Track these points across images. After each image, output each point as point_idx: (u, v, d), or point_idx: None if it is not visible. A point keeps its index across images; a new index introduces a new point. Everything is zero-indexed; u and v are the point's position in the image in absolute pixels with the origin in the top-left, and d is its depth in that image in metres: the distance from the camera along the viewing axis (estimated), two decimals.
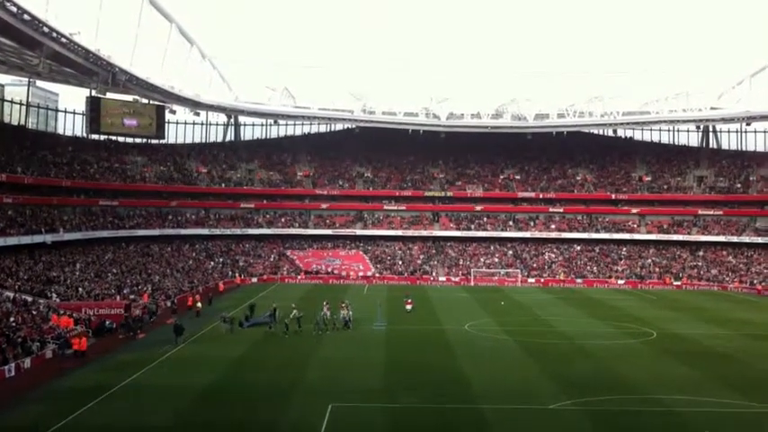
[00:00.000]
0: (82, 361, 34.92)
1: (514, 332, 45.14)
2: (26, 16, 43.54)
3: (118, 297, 51.93)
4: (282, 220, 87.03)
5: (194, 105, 77.23)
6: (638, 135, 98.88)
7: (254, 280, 76.47)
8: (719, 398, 29.28)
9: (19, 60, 58.31)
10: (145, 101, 73.14)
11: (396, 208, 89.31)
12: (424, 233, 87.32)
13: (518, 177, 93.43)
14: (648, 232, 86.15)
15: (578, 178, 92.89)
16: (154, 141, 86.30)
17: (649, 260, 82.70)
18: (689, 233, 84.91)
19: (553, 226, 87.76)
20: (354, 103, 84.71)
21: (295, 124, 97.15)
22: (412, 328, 47.11)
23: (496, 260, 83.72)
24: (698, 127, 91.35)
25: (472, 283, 77.32)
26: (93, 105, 71.75)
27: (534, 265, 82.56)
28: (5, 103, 78.49)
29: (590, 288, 75.03)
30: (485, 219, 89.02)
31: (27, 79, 76.05)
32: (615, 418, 26.59)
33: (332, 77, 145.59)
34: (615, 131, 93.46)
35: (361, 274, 79.44)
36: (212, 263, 77.76)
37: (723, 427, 25.90)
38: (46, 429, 24.05)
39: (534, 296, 66.57)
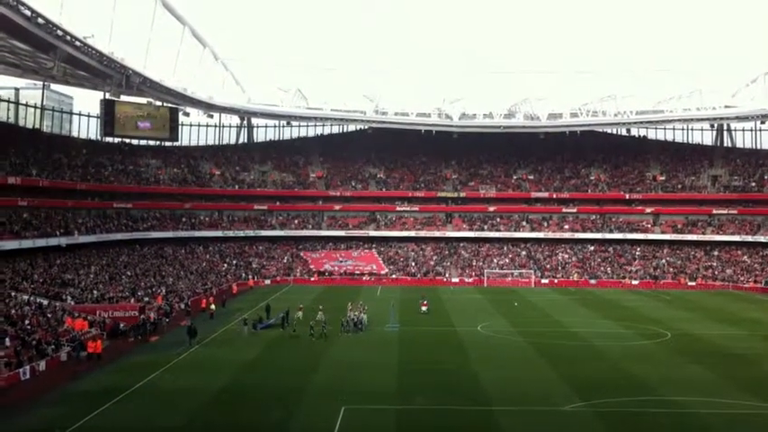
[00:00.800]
0: (97, 363, 35.12)
1: (528, 333, 45.04)
2: (40, 20, 43.92)
3: (132, 299, 52.15)
4: (296, 221, 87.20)
5: (207, 107, 77.55)
6: (651, 134, 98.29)
7: (268, 282, 76.59)
8: (734, 399, 29.12)
9: (33, 64, 58.70)
10: (158, 103, 73.42)
11: (408, 209, 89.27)
12: (437, 234, 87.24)
13: (531, 177, 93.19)
14: (663, 232, 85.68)
15: (592, 178, 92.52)
16: (167, 144, 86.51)
17: (664, 260, 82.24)
18: (703, 233, 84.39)
19: (566, 226, 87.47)
20: (367, 103, 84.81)
21: (308, 125, 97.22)
22: (425, 329, 47.09)
23: (510, 261, 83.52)
24: (712, 125, 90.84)
25: (485, 284, 77.14)
26: (108, 108, 72.06)
27: (548, 265, 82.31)
28: (20, 107, 79.10)
29: (604, 289, 74.64)
30: (498, 219, 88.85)
31: (42, 83, 76.45)
32: (629, 419, 26.51)
33: (344, 79, 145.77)
34: (629, 131, 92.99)
35: (374, 275, 79.37)
36: (225, 265, 77.99)
37: (738, 428, 25.77)
38: None
39: (548, 297, 66.39)
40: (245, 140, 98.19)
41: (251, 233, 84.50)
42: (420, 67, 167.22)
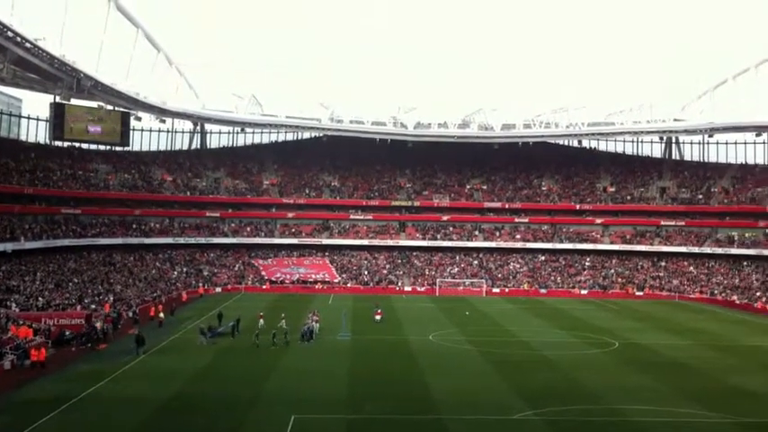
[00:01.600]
0: (41, 372, 34.35)
1: (479, 342, 45.37)
2: None
3: (79, 307, 51.17)
4: (248, 229, 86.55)
5: (160, 112, 76.66)
6: (602, 146, 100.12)
7: (219, 290, 75.81)
8: (680, 407, 29.70)
9: None
10: (110, 107, 72.24)
11: (362, 217, 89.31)
12: (390, 243, 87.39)
13: (484, 187, 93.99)
14: (612, 242, 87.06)
15: (543, 188, 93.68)
16: (118, 149, 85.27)
17: (612, 270, 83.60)
18: (651, 244, 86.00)
19: (518, 236, 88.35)
20: (322, 111, 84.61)
21: (262, 132, 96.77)
22: (376, 338, 47.09)
23: (462, 270, 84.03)
24: (661, 138, 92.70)
25: (437, 294, 77.47)
26: (57, 111, 70.62)
27: (499, 275, 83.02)
28: None
29: (554, 298, 75.53)
30: (451, 228, 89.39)
31: None
32: (578, 428, 26.86)
33: (300, 86, 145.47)
34: (580, 142, 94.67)
35: (326, 283, 79.15)
36: (176, 272, 77.01)
37: None
38: None
39: (499, 306, 66.94)
40: (198, 146, 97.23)
41: (202, 240, 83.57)
42: (375, 76, 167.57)
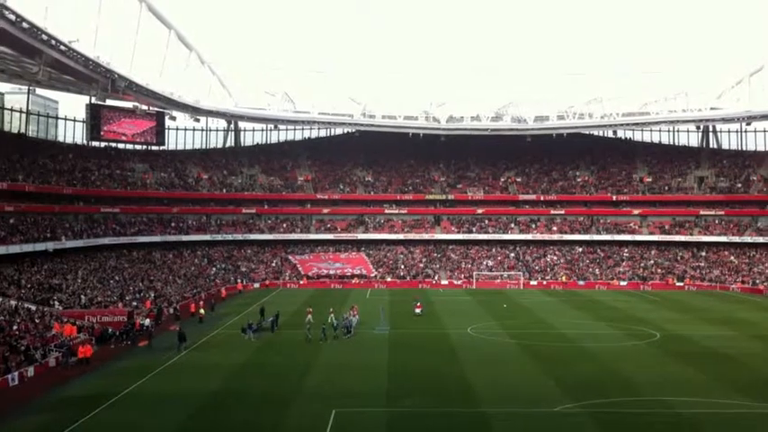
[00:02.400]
0: (86, 369, 34.91)
1: (518, 335, 45.10)
2: (25, 24, 43.59)
3: (120, 304, 51.88)
4: (284, 225, 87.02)
5: (194, 111, 77.32)
6: (638, 136, 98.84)
7: (257, 285, 76.39)
8: (725, 399, 29.25)
9: (18, 68, 58.32)
10: (144, 107, 73.08)
11: (397, 212, 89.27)
12: (426, 236, 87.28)
13: (519, 180, 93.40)
14: (650, 233, 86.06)
15: (579, 180, 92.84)
16: (154, 148, 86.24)
17: (651, 261, 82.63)
18: (690, 234, 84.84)
19: (554, 228, 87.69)
20: (354, 107, 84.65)
21: (295, 129, 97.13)
22: (415, 331, 47.03)
23: (498, 263, 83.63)
24: (698, 127, 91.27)
25: (474, 286, 77.23)
26: (94, 112, 71.65)
27: (536, 267, 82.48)
28: (5, 112, 78.47)
29: (592, 290, 74.90)
30: (486, 221, 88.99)
31: (27, 87, 75.98)
32: (621, 420, 26.56)
33: (331, 82, 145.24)
34: (615, 132, 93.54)
35: (363, 277, 79.27)
36: (214, 269, 77.72)
37: (728, 428, 25.86)
38: None
39: (537, 298, 66.51)
40: (233, 144, 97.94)
41: (239, 237, 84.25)
42: (407, 70, 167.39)
